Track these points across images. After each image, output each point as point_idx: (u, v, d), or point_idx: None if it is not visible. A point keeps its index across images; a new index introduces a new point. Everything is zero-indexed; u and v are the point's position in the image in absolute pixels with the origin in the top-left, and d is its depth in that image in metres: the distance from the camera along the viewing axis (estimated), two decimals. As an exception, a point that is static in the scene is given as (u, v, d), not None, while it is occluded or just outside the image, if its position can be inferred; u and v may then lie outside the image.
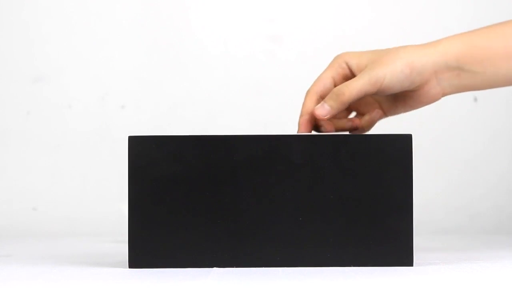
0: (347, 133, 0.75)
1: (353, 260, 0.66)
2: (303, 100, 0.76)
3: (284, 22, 1.22)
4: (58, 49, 1.21)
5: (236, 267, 0.66)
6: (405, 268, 0.65)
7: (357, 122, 0.77)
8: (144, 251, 0.66)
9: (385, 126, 1.20)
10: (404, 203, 0.66)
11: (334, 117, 0.76)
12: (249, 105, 1.21)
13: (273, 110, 1.20)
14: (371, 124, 0.78)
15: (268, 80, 1.21)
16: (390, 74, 0.72)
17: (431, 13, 1.21)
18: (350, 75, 0.76)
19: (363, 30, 1.21)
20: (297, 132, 0.76)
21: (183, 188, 0.66)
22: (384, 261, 0.66)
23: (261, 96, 1.20)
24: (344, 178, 0.66)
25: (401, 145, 0.66)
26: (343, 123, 0.77)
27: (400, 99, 0.77)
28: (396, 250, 0.66)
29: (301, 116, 0.76)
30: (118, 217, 1.15)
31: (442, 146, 1.21)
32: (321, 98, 0.75)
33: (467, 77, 0.75)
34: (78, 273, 0.65)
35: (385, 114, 0.79)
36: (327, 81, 0.76)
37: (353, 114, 0.80)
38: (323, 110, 0.72)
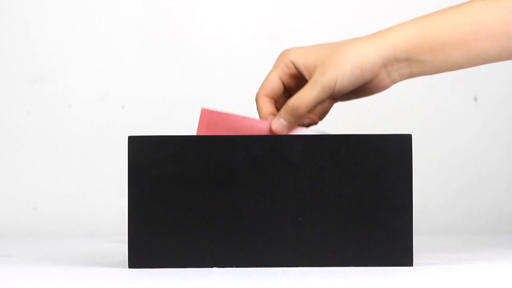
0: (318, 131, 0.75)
1: (353, 260, 0.66)
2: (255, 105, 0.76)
3: (284, 22, 1.22)
4: (58, 49, 1.21)
5: (236, 267, 0.66)
6: (405, 268, 0.65)
7: (314, 117, 0.76)
8: (144, 251, 0.66)
9: (385, 126, 1.20)
10: (404, 203, 0.66)
11: None
12: (249, 105, 1.21)
13: (273, 110, 1.20)
14: (324, 115, 0.77)
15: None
16: (341, 78, 0.72)
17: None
18: (297, 74, 0.75)
19: (364, 30, 1.20)
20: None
21: (183, 188, 0.66)
22: (384, 261, 0.66)
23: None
24: (344, 178, 0.66)
25: (401, 145, 0.66)
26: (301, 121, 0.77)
27: (351, 92, 0.76)
28: (396, 250, 0.66)
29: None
30: (118, 213, 1.15)
31: (442, 146, 1.21)
32: (272, 99, 0.75)
33: (417, 66, 0.74)
34: (78, 273, 0.65)
35: (335, 101, 0.78)
36: (275, 83, 0.75)
37: None
38: (280, 126, 0.72)
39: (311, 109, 0.74)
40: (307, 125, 0.76)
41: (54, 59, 1.21)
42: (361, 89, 0.75)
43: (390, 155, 0.66)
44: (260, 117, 0.75)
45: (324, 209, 0.66)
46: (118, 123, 1.20)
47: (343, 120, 1.20)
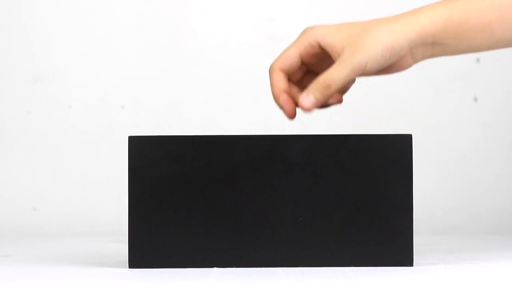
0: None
1: (353, 260, 0.66)
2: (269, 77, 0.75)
3: (284, 22, 1.22)
4: (58, 49, 1.21)
5: (236, 267, 0.66)
6: (405, 268, 0.65)
7: (339, 97, 0.75)
8: (144, 251, 0.66)
9: (385, 126, 1.20)
10: (404, 203, 0.66)
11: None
12: (249, 105, 1.21)
13: (273, 110, 1.20)
14: (345, 92, 0.77)
15: (268, 80, 1.21)
16: (372, 60, 0.72)
17: None
18: (321, 54, 0.75)
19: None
20: (284, 112, 0.74)
21: (183, 188, 0.66)
22: (384, 261, 0.66)
23: (261, 96, 1.20)
24: (344, 178, 0.66)
25: (401, 145, 0.66)
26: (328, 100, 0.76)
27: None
28: (396, 250, 0.66)
29: (277, 97, 0.74)
30: (120, 209, 1.15)
31: (442, 146, 1.21)
32: (287, 74, 0.75)
33: (440, 49, 0.75)
34: (78, 273, 0.65)
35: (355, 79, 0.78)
36: (294, 59, 0.75)
37: None
38: (309, 103, 0.72)
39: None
40: (332, 104, 0.76)
41: (54, 59, 1.21)
42: (384, 68, 0.76)
43: (390, 155, 0.66)
44: (272, 91, 0.75)
45: (324, 209, 0.66)
46: (118, 123, 1.20)
47: (343, 120, 1.20)
